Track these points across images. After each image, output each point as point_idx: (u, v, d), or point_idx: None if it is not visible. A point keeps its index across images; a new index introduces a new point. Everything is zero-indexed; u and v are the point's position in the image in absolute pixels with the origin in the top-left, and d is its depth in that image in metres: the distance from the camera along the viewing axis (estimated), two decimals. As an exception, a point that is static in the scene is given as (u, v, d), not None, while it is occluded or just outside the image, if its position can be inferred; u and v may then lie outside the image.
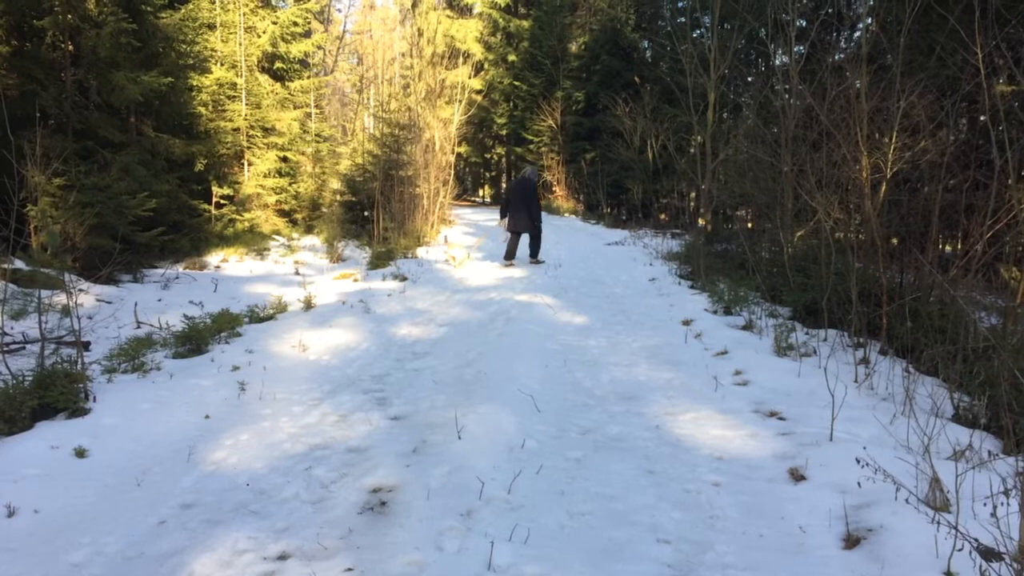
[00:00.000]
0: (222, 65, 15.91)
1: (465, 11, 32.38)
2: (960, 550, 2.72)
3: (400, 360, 6.33)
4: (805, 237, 8.29)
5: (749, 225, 12.18)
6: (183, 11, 12.49)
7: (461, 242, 15.67)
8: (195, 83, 14.17)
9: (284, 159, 17.27)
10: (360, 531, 3.22)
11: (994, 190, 5.50)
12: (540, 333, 6.92)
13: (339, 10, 48.93)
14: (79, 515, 3.54)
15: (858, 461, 3.28)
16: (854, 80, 7.10)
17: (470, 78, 24.93)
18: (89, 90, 10.28)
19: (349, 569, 2.89)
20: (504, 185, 33.76)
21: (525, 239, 11.66)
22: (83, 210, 9.16)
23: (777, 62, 10.78)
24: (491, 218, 22.05)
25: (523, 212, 11.20)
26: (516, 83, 26.51)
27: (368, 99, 33.65)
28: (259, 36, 17.47)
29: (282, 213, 17.23)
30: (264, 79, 17.57)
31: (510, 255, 11.50)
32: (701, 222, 12.24)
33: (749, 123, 11.22)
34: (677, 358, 6.21)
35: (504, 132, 28.56)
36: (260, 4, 17.75)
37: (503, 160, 32.69)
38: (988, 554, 2.71)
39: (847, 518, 3.21)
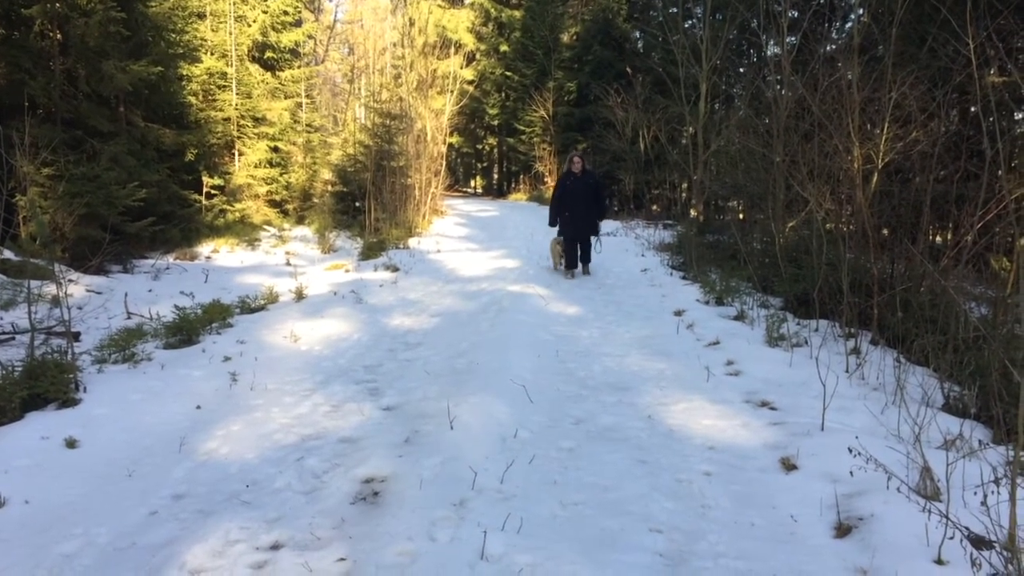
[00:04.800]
0: (212, 54, 15.78)
1: (456, 0, 32.19)
2: (951, 538, 2.75)
3: (392, 350, 6.31)
4: (797, 228, 8.30)
5: (741, 216, 12.20)
6: (172, 0, 12.37)
7: (453, 233, 15.65)
8: (185, 72, 14.05)
9: (275, 149, 17.17)
10: (353, 521, 3.21)
11: (985, 181, 5.51)
12: (532, 323, 6.92)
13: (330, -1, 48.49)
14: (70, 506, 3.52)
15: (850, 450, 3.30)
16: (846, 71, 7.10)
17: (462, 68, 24.87)
18: (78, 79, 10.18)
19: (342, 559, 2.89)
20: (497, 176, 33.56)
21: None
22: (72, 200, 9.09)
23: (769, 53, 10.78)
24: (483, 209, 22.02)
25: (592, 214, 9.63)
26: (508, 73, 26.39)
27: (359, 89, 33.45)
28: (249, 25, 17.32)
29: (273, 203, 17.13)
30: (255, 69, 17.44)
31: (572, 264, 9.76)
32: (693, 213, 12.25)
33: (741, 114, 11.23)
34: (669, 348, 6.22)
35: (496, 122, 28.48)
36: (250, -8, 17.59)
37: (495, 151, 32.60)
38: (978, 542, 2.73)
39: (838, 507, 3.23)
